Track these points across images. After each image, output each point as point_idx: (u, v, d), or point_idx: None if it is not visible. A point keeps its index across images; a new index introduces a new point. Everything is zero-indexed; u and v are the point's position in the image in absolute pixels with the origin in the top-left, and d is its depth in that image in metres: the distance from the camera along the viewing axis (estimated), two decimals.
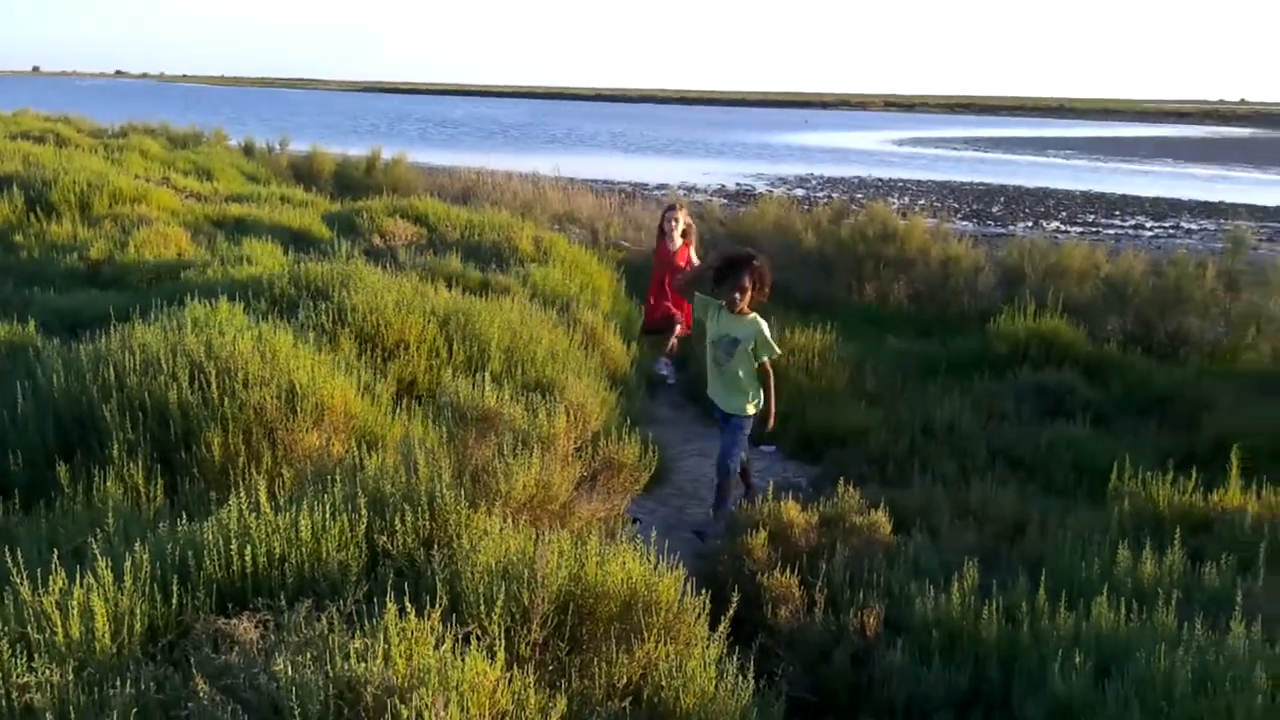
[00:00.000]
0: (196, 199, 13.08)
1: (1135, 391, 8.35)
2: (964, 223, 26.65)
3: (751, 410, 6.11)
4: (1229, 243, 11.33)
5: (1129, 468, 5.39)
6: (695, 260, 8.91)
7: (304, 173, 20.23)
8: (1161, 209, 33.88)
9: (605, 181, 30.98)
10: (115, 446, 4.63)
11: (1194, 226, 29.34)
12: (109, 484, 4.42)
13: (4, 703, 2.64)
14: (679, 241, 9.11)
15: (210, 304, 6.19)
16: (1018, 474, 6.61)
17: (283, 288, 7.27)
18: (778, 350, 6.25)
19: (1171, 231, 27.95)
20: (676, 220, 9.09)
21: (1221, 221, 28.56)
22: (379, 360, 6.55)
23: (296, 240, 10.67)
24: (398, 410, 5.67)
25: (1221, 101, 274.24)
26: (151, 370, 5.01)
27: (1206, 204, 35.48)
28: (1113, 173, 47.83)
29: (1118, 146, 71.51)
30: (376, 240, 10.73)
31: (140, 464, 4.58)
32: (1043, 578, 4.06)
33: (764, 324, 6.14)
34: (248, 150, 22.63)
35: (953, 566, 4.34)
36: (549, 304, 8.79)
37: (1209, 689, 2.92)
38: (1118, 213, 32.41)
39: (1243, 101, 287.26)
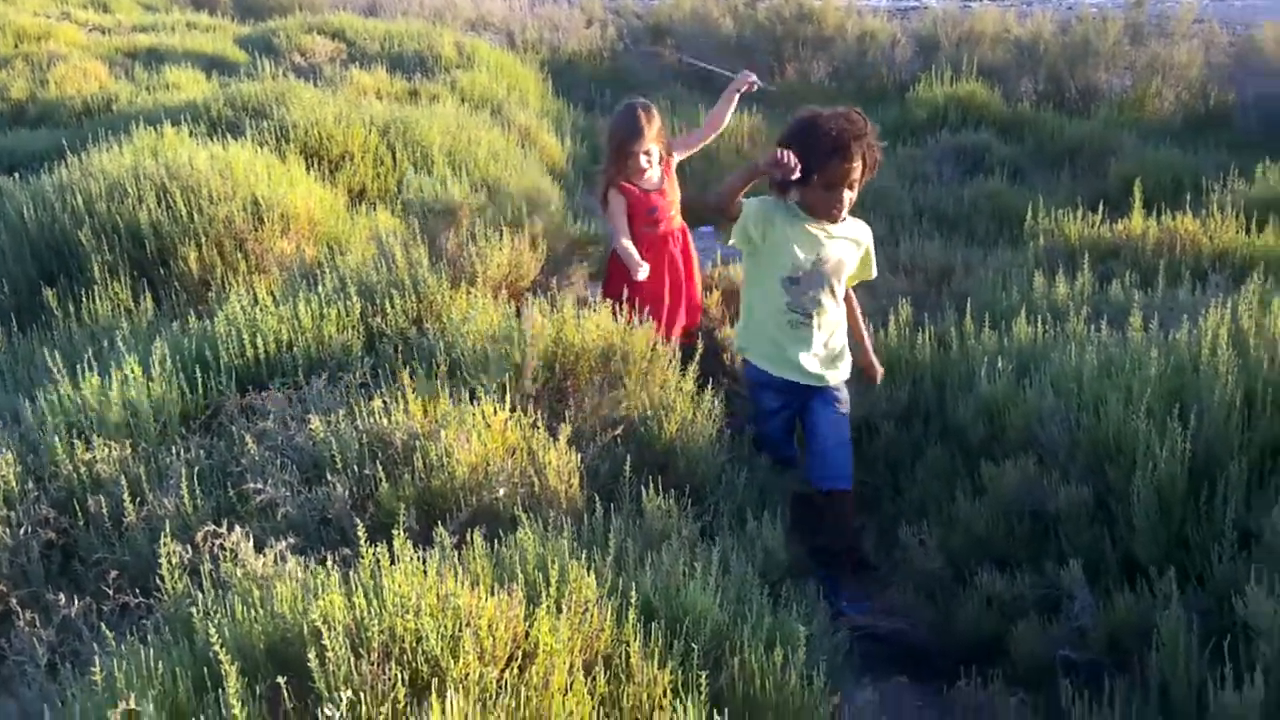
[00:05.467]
0: (101, 32, 12.71)
1: (1048, 145, 8.79)
2: None
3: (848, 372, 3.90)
4: None
5: (1043, 210, 5.84)
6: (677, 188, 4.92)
7: None
8: None
9: None
10: (96, 269, 4.85)
11: None
12: (97, 302, 4.67)
13: (75, 476, 2.99)
14: (658, 173, 4.79)
15: (156, 130, 6.28)
16: (942, 229, 7.06)
17: (219, 110, 7.33)
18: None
19: None
20: (649, 150, 4.70)
21: None
22: (327, 172, 6.73)
23: (214, 65, 10.53)
24: (354, 216, 5.92)
25: None
26: (118, 195, 5.18)
27: None
28: None
29: None
30: (297, 59, 10.62)
31: (123, 282, 4.83)
32: (968, 308, 4.53)
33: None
34: None
35: (888, 309, 4.79)
36: (479, 107, 8.92)
37: (1112, 373, 3.41)
38: None
39: None
